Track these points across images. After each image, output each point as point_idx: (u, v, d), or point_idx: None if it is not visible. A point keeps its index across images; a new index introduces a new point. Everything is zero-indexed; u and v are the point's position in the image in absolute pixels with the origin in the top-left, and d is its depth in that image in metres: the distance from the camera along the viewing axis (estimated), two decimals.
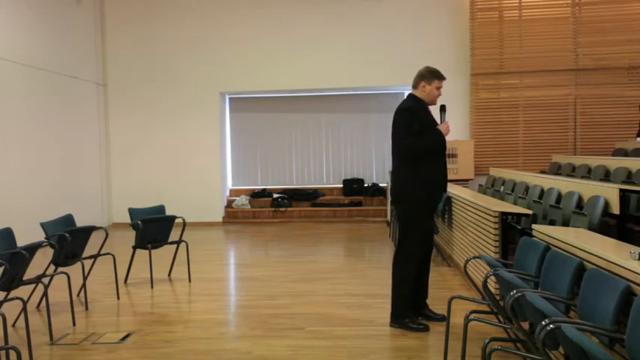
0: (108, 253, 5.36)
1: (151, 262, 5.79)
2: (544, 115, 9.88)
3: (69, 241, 4.72)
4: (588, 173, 7.25)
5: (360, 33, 10.25)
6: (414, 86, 4.30)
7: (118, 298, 5.36)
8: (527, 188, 6.62)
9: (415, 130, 4.10)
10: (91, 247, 5.35)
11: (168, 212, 6.25)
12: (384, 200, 10.67)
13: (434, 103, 4.29)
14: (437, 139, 4.17)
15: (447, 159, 9.53)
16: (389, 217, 9.46)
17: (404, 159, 4.20)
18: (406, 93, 10.74)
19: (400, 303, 4.25)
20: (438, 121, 4.33)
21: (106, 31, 10.86)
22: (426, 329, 4.15)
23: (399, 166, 4.26)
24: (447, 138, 4.29)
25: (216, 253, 7.91)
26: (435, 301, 4.94)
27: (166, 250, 6.18)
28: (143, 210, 6.12)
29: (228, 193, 11.32)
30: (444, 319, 4.05)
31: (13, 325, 4.49)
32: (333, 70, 10.33)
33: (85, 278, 5.08)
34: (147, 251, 5.79)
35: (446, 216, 6.79)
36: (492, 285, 4.30)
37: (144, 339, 4.19)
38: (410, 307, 4.29)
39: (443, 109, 4.36)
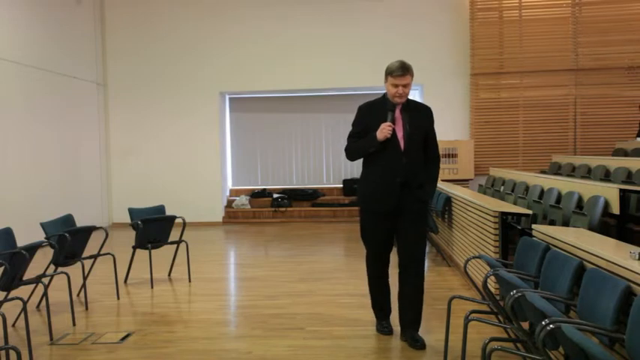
0: (108, 253, 5.36)
1: (151, 262, 5.79)
2: (544, 115, 9.88)
3: (69, 241, 4.72)
4: (588, 173, 7.25)
5: (360, 33, 10.24)
6: None
7: (118, 298, 5.35)
8: (527, 188, 6.62)
9: (354, 132, 3.94)
10: (91, 247, 5.35)
11: (169, 212, 6.25)
12: None
13: (395, 103, 3.81)
14: (367, 144, 3.82)
15: (447, 159, 9.76)
16: None
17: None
18: None
19: (374, 306, 4.21)
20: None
21: (106, 31, 10.86)
22: (388, 333, 4.08)
23: None
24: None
25: (216, 253, 7.91)
26: (435, 301, 4.94)
27: (166, 250, 6.18)
28: (143, 210, 6.11)
29: (228, 193, 11.32)
30: (424, 347, 3.81)
31: (13, 325, 4.49)
32: (333, 70, 10.33)
33: (85, 278, 5.08)
34: (147, 251, 5.79)
35: (446, 216, 6.80)
36: (492, 285, 4.30)
37: (144, 339, 4.19)
38: (379, 309, 4.17)
39: (390, 108, 3.82)
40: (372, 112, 3.90)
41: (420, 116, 3.89)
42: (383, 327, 4.11)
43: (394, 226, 3.92)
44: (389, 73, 3.78)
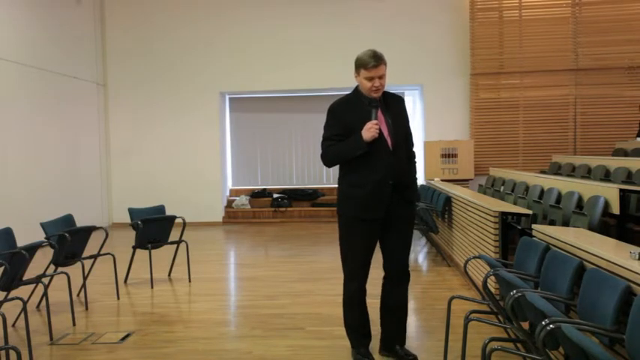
0: (108, 253, 5.36)
1: (151, 262, 5.79)
2: (544, 115, 9.88)
3: (69, 241, 4.72)
4: (588, 173, 7.25)
5: (360, 33, 10.23)
6: None
7: (118, 298, 5.35)
8: (527, 188, 6.62)
9: (331, 134, 3.43)
10: (91, 247, 5.35)
11: (169, 212, 6.25)
12: None
13: (373, 97, 3.40)
14: (353, 146, 3.35)
15: (447, 159, 9.75)
16: None
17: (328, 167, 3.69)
18: (406, 93, 10.84)
19: (349, 332, 3.66)
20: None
21: (106, 31, 10.86)
22: None
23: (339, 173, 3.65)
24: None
25: (216, 253, 7.91)
26: (435, 301, 4.95)
27: (166, 250, 6.18)
28: (143, 210, 6.11)
29: (228, 193, 11.32)
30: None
31: (13, 325, 4.49)
32: (333, 70, 10.30)
33: (85, 278, 5.08)
34: (147, 251, 5.79)
35: (446, 216, 6.80)
36: (492, 285, 4.30)
37: (144, 339, 4.19)
38: (363, 334, 3.62)
39: (373, 105, 3.40)
40: (348, 110, 3.43)
41: (398, 109, 3.53)
42: (364, 357, 3.55)
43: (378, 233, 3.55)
44: (361, 65, 3.37)
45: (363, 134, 3.32)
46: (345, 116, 3.43)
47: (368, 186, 3.42)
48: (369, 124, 3.32)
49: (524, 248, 3.51)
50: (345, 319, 3.66)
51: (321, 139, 3.58)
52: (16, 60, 8.25)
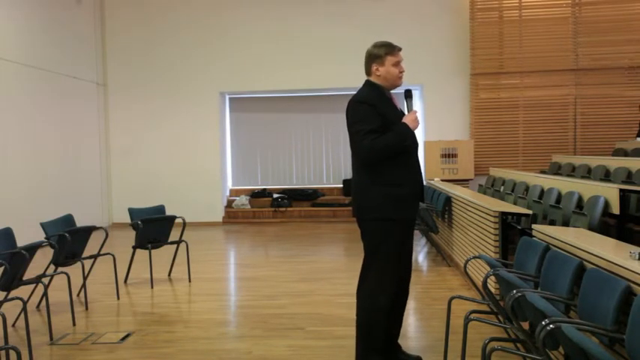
0: (108, 253, 5.36)
1: (151, 262, 5.79)
2: (544, 115, 9.88)
3: (69, 241, 4.72)
4: (588, 173, 7.25)
5: (360, 33, 10.19)
6: (367, 72, 3.35)
7: (118, 298, 5.35)
8: (527, 188, 6.62)
9: (375, 127, 3.14)
10: (91, 247, 5.35)
11: (169, 212, 6.25)
12: None
13: (397, 86, 3.32)
14: (402, 136, 3.17)
15: (447, 159, 9.75)
16: None
17: (365, 165, 3.24)
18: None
19: (370, 351, 3.27)
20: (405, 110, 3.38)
21: (106, 31, 10.86)
22: None
23: (361, 173, 3.28)
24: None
25: (216, 253, 7.91)
26: (435, 301, 4.95)
27: (166, 250, 6.18)
28: (143, 210, 6.12)
29: (228, 193, 11.32)
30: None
31: (13, 325, 4.49)
32: (333, 70, 10.32)
33: (85, 278, 5.08)
34: (147, 251, 5.79)
35: (446, 216, 6.79)
36: (492, 285, 4.30)
37: (144, 339, 4.19)
38: (386, 348, 3.33)
39: (408, 94, 3.37)
40: (381, 103, 3.25)
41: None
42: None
43: None
44: (388, 52, 3.27)
45: (409, 124, 3.20)
46: (380, 108, 3.22)
47: (410, 183, 3.26)
48: (413, 114, 3.25)
49: (524, 248, 3.51)
50: (369, 340, 3.25)
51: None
52: (16, 60, 8.24)
